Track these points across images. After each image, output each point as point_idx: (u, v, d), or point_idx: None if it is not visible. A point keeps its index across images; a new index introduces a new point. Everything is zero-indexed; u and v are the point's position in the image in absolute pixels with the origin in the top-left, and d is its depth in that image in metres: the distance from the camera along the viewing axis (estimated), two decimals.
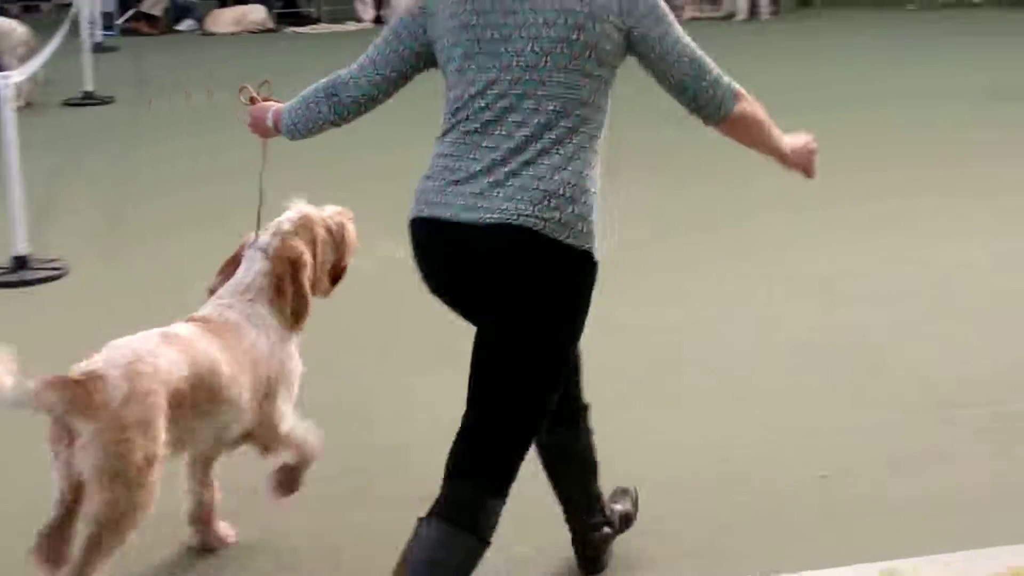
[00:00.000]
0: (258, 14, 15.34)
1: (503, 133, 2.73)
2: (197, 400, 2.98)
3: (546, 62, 2.71)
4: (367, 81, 2.92)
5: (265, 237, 3.25)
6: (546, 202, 2.68)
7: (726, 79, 2.80)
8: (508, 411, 2.73)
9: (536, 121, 2.71)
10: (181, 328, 3.09)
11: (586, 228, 2.71)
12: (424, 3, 2.82)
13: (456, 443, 2.74)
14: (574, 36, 2.70)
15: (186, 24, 15.53)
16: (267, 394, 3.17)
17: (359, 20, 15.77)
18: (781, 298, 5.43)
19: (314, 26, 15.67)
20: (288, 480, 3.34)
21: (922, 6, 17.15)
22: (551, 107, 2.71)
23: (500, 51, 2.73)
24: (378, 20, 15.63)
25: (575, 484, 3.13)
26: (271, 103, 3.15)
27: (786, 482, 3.73)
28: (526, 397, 2.73)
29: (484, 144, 2.74)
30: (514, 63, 2.72)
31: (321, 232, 3.30)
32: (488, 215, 2.68)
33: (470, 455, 2.73)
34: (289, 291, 3.21)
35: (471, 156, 2.75)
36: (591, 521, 3.16)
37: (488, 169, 2.72)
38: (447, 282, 2.82)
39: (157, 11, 15.46)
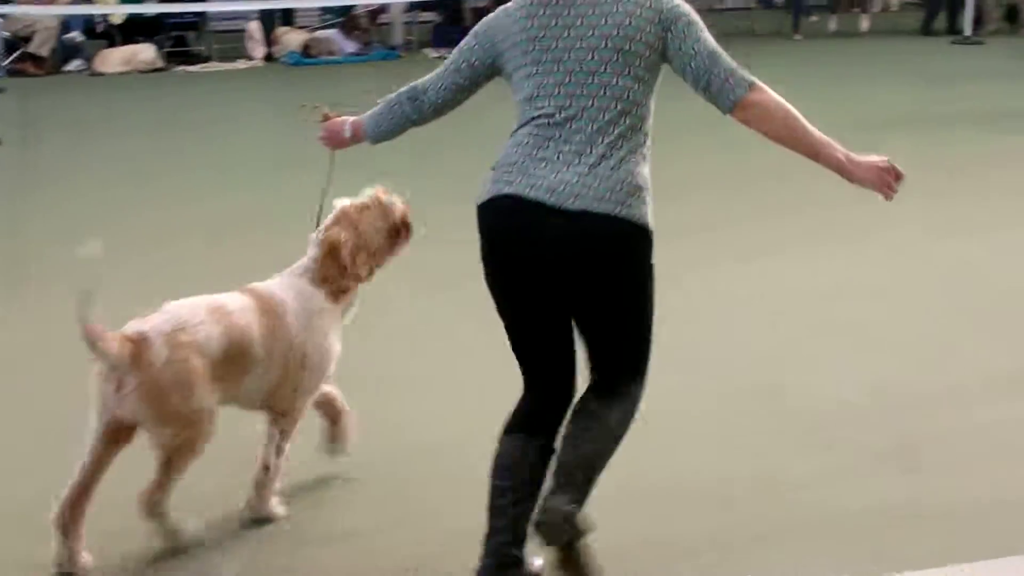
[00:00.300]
0: (147, 54, 15.40)
1: (573, 129, 3.24)
2: (230, 368, 3.56)
3: (606, 68, 3.24)
4: (444, 87, 3.48)
5: (320, 230, 3.85)
6: (619, 189, 3.21)
7: (742, 72, 3.24)
8: (628, 356, 3.41)
9: (603, 118, 3.24)
10: (231, 300, 3.68)
11: (647, 208, 3.26)
12: (493, 41, 3.37)
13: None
14: (627, 47, 3.24)
15: (74, 64, 15.52)
16: (301, 364, 3.72)
17: (250, 58, 15.89)
18: None
19: (204, 65, 15.76)
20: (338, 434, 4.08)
21: None
22: (615, 107, 3.24)
23: (564, 59, 3.27)
24: (269, 58, 15.79)
25: (582, 458, 3.33)
26: (344, 118, 3.71)
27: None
28: (642, 342, 3.39)
29: (558, 137, 3.25)
30: (578, 68, 3.25)
31: (357, 215, 3.86)
32: (569, 201, 3.19)
33: (593, 373, 3.40)
34: (331, 269, 3.79)
35: (545, 148, 3.25)
36: (575, 497, 3.31)
37: (564, 162, 3.23)
38: (528, 261, 3.24)
39: (44, 52, 15.44)
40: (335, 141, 3.75)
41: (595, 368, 3.38)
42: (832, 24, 17.32)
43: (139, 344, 3.43)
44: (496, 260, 3.30)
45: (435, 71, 3.50)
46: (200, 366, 3.48)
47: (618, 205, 3.21)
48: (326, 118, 3.77)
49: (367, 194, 3.95)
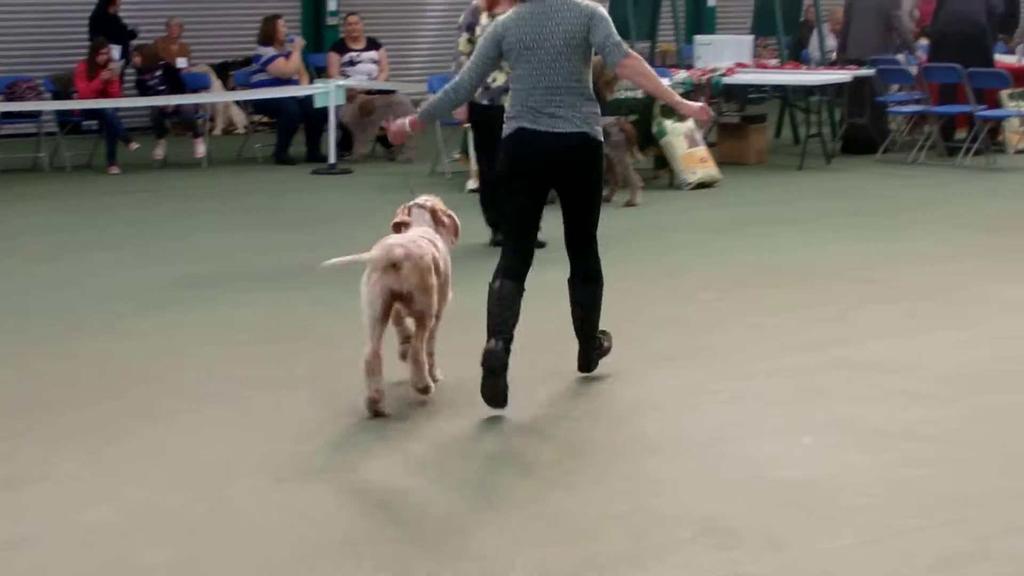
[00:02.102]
0: None
1: (551, 92, 6.13)
2: (439, 267, 6.11)
3: (564, 54, 6.11)
4: (475, 75, 6.32)
5: (419, 203, 6.45)
6: (583, 120, 6.15)
7: (625, 47, 6.19)
8: (591, 234, 6.42)
9: (566, 86, 6.13)
10: (424, 233, 6.22)
11: (600, 128, 6.27)
12: (501, 33, 6.20)
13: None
14: (575, 43, 6.13)
15: None
16: (443, 282, 6.19)
17: None
18: None
19: None
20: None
21: None
22: (573, 78, 6.14)
23: (540, 47, 6.13)
24: None
25: (590, 317, 6.45)
26: (401, 119, 6.66)
27: None
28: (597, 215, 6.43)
29: (543, 98, 6.14)
30: (548, 58, 6.12)
31: (433, 199, 6.55)
32: (559, 127, 6.12)
33: (569, 244, 6.41)
34: (446, 221, 6.45)
35: (535, 102, 6.14)
36: (594, 335, 6.51)
37: (551, 110, 6.13)
38: (536, 159, 6.17)
39: None
40: (401, 137, 6.83)
41: (568, 243, 6.40)
42: (159, 151, 14.49)
43: (406, 247, 5.93)
44: (515, 162, 6.21)
45: (465, 68, 6.36)
46: (433, 262, 6.02)
47: (586, 126, 6.16)
48: (387, 124, 7.00)
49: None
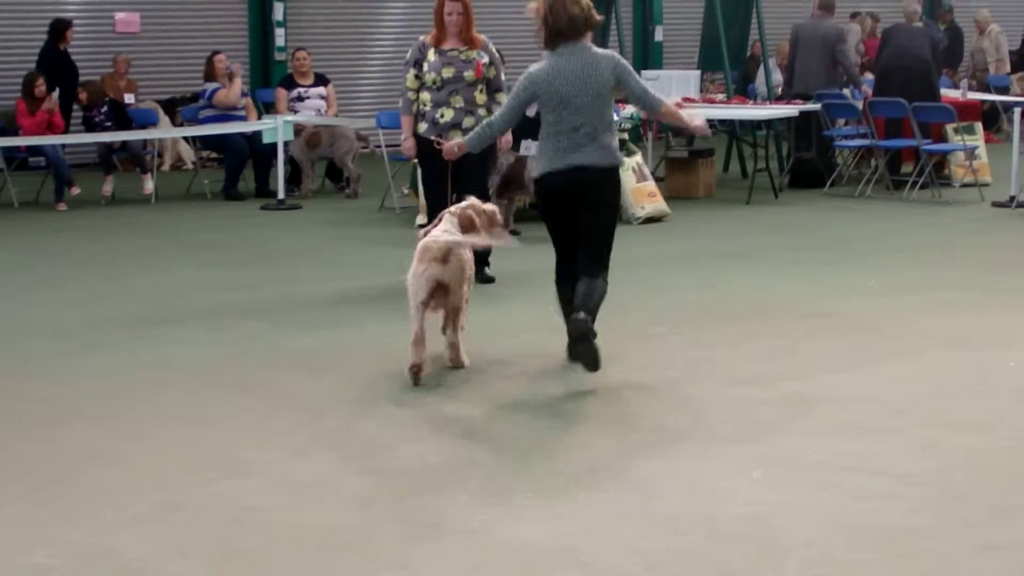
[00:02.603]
0: None
1: (580, 133, 7.15)
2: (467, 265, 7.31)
3: (596, 101, 7.15)
4: (510, 118, 7.47)
5: (451, 211, 7.49)
6: (606, 153, 7.18)
7: (657, 95, 7.46)
8: (605, 247, 7.29)
9: (593, 126, 7.15)
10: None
11: (620, 159, 7.34)
12: (536, 86, 7.19)
13: (580, 261, 7.24)
14: (604, 91, 7.17)
15: None
16: (466, 276, 7.30)
17: None
18: None
19: None
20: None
21: None
22: (599, 119, 7.18)
23: (576, 97, 7.14)
24: None
25: (583, 296, 7.08)
26: (452, 141, 8.17)
27: None
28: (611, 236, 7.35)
29: (572, 138, 7.16)
30: (581, 103, 7.13)
31: (472, 211, 7.47)
32: (584, 161, 7.14)
33: (582, 252, 7.24)
34: (477, 222, 7.43)
35: (568, 141, 7.16)
36: (591, 308, 7.10)
37: (579, 146, 7.16)
38: (568, 193, 7.19)
39: None
40: (452, 155, 7.99)
41: (581, 251, 7.28)
42: (107, 187, 14.54)
43: (448, 245, 7.11)
44: (551, 193, 7.29)
45: (503, 107, 7.57)
46: (465, 259, 7.28)
47: (605, 159, 7.19)
48: (440, 144, 8.38)
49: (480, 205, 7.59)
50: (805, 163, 15.32)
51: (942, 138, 15.05)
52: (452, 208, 7.50)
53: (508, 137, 9.85)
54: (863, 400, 6.80)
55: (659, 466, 5.85)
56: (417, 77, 9.57)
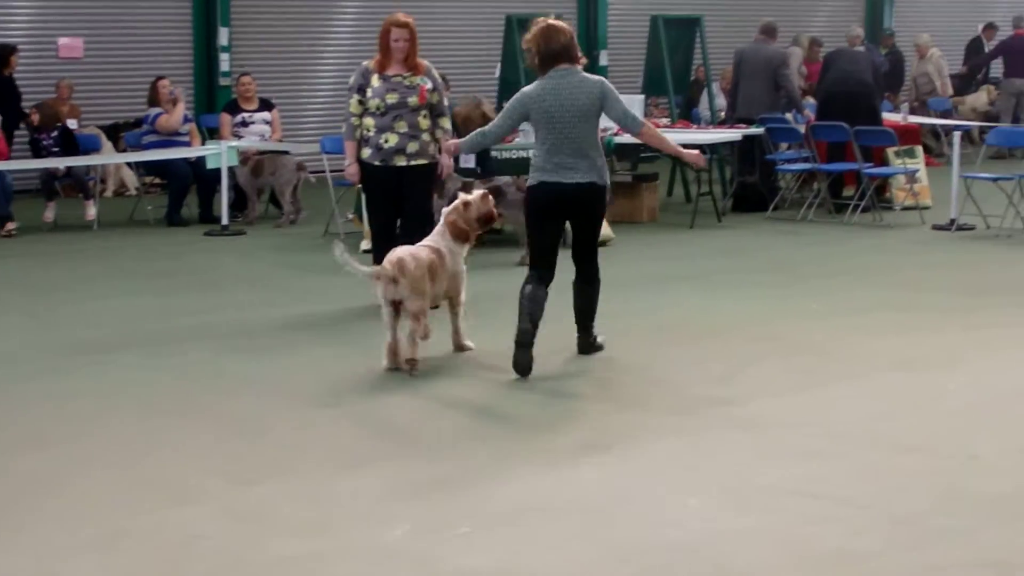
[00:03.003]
0: None
1: (568, 149, 7.85)
2: (432, 275, 8.00)
3: (581, 121, 7.85)
4: (502, 130, 8.19)
5: (446, 211, 8.44)
6: (593, 171, 7.90)
7: (638, 117, 8.31)
8: (594, 250, 8.24)
9: (581, 145, 7.86)
10: (424, 249, 8.12)
11: (606, 172, 8.09)
12: (529, 105, 7.93)
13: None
14: (591, 112, 7.87)
15: None
16: (454, 273, 8.23)
17: None
18: None
19: None
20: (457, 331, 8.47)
21: None
22: (586, 138, 7.89)
23: (562, 116, 7.84)
24: None
25: (588, 310, 8.22)
26: (451, 141, 8.97)
27: None
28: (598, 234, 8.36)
29: (563, 154, 7.87)
30: (567, 121, 7.83)
31: (463, 206, 8.35)
32: (574, 178, 7.86)
33: (576, 260, 8.19)
34: (457, 232, 8.30)
35: (558, 157, 7.86)
36: (590, 325, 8.28)
37: (569, 163, 7.86)
38: (555, 204, 7.93)
39: None
40: (452, 153, 9.06)
41: (575, 259, 8.17)
42: (49, 214, 14.39)
43: (400, 264, 7.85)
44: (542, 204, 7.97)
45: (495, 122, 8.23)
46: (423, 270, 7.92)
47: (592, 176, 7.90)
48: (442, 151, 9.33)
49: (472, 195, 8.45)
50: (748, 187, 15.44)
51: (883, 162, 15.22)
52: (445, 210, 8.44)
53: (450, 162, 9.88)
54: (808, 423, 6.86)
55: (604, 491, 5.88)
56: (360, 103, 9.58)
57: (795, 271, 11.55)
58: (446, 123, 9.81)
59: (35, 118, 15.30)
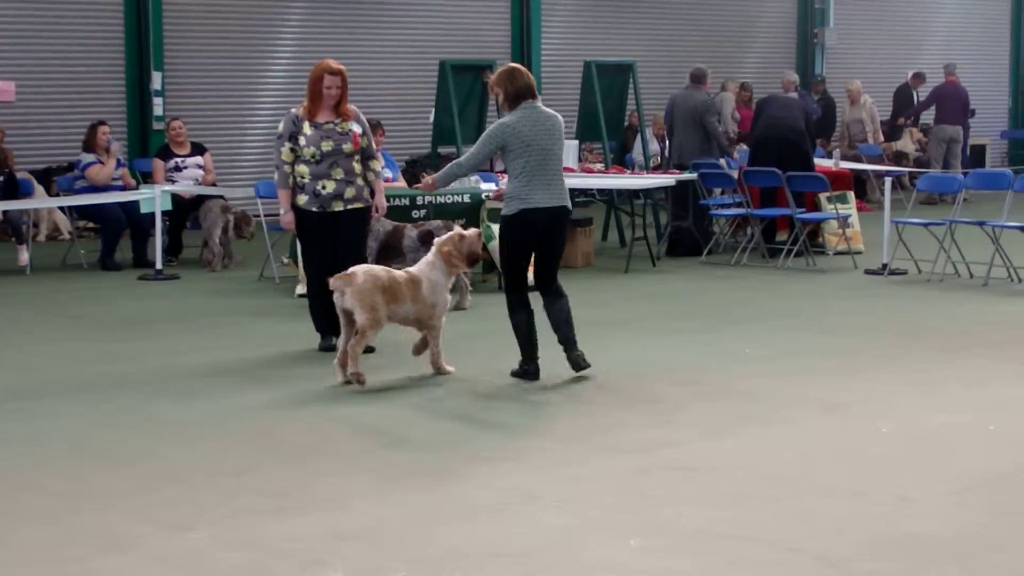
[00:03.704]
0: None
1: (544, 174, 8.63)
2: (390, 295, 8.63)
3: (555, 146, 8.70)
4: (477, 161, 8.95)
5: (440, 241, 9.02)
6: (564, 195, 8.79)
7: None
8: (557, 265, 8.96)
9: (557, 167, 8.72)
10: (398, 273, 8.81)
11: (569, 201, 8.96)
12: (507, 134, 8.61)
13: (536, 281, 8.95)
14: (560, 139, 8.75)
15: None
16: (432, 304, 8.75)
17: None
18: None
19: None
20: (423, 345, 8.96)
21: None
22: (557, 163, 8.72)
23: (539, 142, 8.63)
24: None
25: (570, 321, 8.84)
26: (427, 177, 9.36)
27: None
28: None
29: (539, 179, 8.61)
30: (544, 147, 8.64)
31: (459, 238, 8.97)
32: (551, 202, 8.67)
33: (543, 283, 8.91)
34: (452, 262, 8.85)
35: (537, 183, 8.61)
36: (574, 338, 8.88)
37: (545, 188, 8.65)
38: (540, 228, 8.66)
39: None
40: (429, 188, 9.37)
41: (542, 282, 8.91)
42: None
43: (351, 276, 8.55)
44: (523, 228, 8.63)
45: (471, 152, 8.84)
46: (375, 286, 8.53)
47: (565, 200, 8.73)
48: (421, 178, 9.91)
49: (467, 232, 9.14)
50: (682, 232, 15.56)
51: (816, 207, 15.39)
52: (438, 240, 9.01)
53: (383, 203, 9.92)
54: (739, 467, 6.91)
55: (536, 536, 5.89)
56: (292, 150, 9.59)
57: (728, 315, 11.63)
58: (376, 165, 9.86)
59: None
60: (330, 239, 9.62)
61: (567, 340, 8.85)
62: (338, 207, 9.61)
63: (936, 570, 5.47)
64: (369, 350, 9.06)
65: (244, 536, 5.89)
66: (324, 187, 9.52)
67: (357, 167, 9.67)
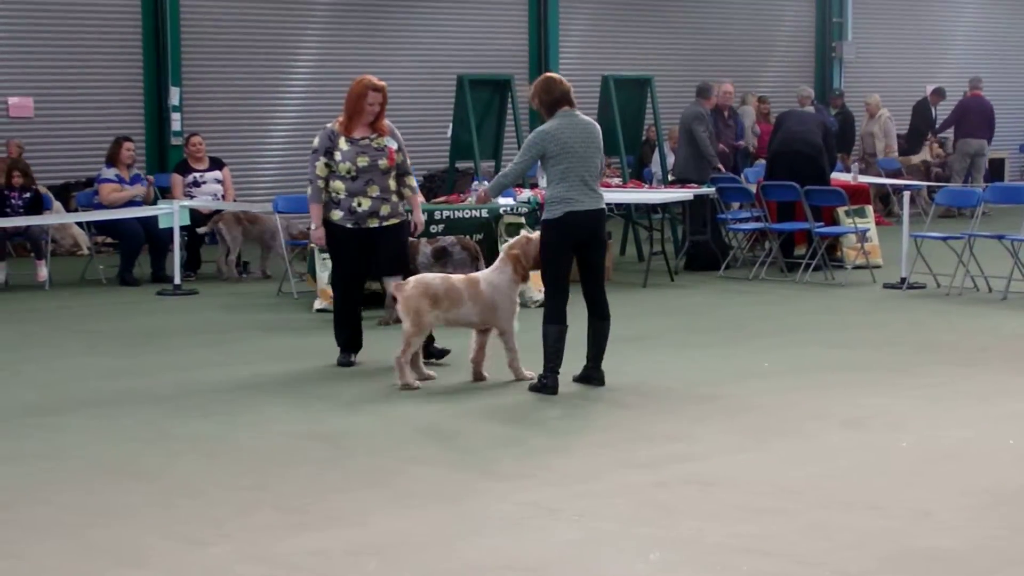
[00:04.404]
0: None
1: (584, 178, 8.77)
2: (446, 301, 8.91)
3: (594, 152, 8.87)
4: (521, 170, 9.14)
5: (507, 244, 9.25)
6: (602, 198, 8.93)
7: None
8: (603, 280, 9.12)
9: (593, 175, 8.84)
10: (456, 277, 9.20)
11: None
12: (547, 141, 8.77)
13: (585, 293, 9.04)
14: (599, 145, 8.96)
15: None
16: (493, 305, 8.93)
17: None
18: None
19: None
20: (480, 355, 9.12)
21: None
22: (596, 168, 8.90)
23: (576, 148, 8.78)
24: None
25: (603, 347, 9.03)
26: (480, 189, 9.75)
27: None
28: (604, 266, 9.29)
29: (580, 183, 8.75)
30: (582, 153, 8.79)
31: (527, 241, 9.06)
32: (593, 205, 8.80)
33: (592, 295, 9.02)
34: (517, 268, 8.98)
35: (578, 187, 8.75)
36: (599, 360, 9.05)
37: (587, 192, 8.79)
38: (582, 231, 8.76)
39: None
40: (483, 200, 9.63)
41: (590, 295, 9.00)
42: (0, 274, 14.56)
43: (403, 286, 8.90)
44: (567, 232, 8.70)
45: (515, 162, 8.98)
46: (422, 292, 8.82)
47: (603, 202, 8.89)
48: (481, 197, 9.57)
49: (525, 233, 9.39)
50: (700, 246, 15.55)
51: (834, 221, 15.37)
52: (506, 244, 9.36)
53: (420, 219, 9.96)
54: (758, 481, 6.89)
55: (554, 551, 5.88)
56: (328, 165, 9.59)
57: (747, 330, 11.62)
58: (412, 181, 9.88)
59: (17, 180, 14.99)
60: (361, 255, 9.64)
61: (595, 359, 9.01)
62: (373, 224, 9.61)
63: None
64: (443, 353, 9.67)
65: (261, 551, 5.90)
66: (360, 204, 9.54)
67: (392, 184, 9.67)
